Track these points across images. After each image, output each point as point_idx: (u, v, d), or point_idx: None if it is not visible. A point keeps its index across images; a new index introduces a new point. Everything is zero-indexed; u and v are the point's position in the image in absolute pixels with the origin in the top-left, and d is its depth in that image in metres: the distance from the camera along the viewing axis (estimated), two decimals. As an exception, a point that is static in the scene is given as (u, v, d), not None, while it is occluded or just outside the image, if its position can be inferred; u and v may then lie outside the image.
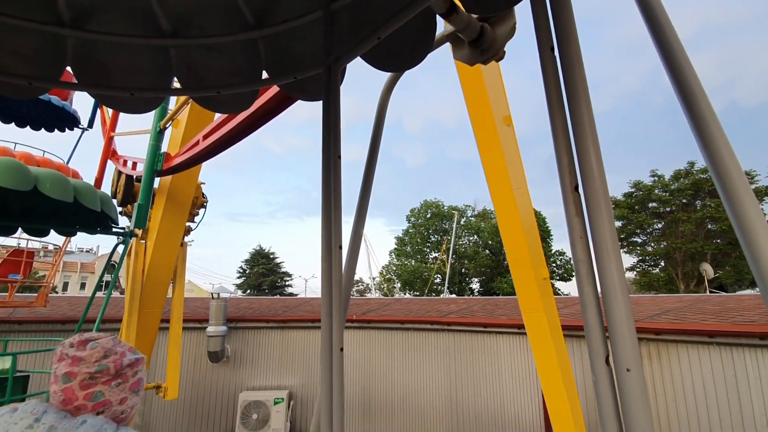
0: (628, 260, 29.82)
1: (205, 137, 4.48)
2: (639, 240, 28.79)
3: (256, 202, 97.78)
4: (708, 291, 20.67)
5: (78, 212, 4.34)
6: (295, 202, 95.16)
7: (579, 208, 0.73)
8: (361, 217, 1.51)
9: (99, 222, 4.73)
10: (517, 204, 5.45)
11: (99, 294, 6.81)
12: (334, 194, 1.22)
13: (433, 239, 36.50)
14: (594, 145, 0.72)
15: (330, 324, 1.13)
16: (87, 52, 1.26)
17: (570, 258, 35.89)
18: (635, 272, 29.03)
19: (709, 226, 25.58)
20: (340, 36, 1.26)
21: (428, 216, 37.96)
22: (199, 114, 5.73)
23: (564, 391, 5.41)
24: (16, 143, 5.68)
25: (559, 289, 35.17)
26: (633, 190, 28.07)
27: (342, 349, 1.12)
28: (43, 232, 4.87)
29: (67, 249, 8.38)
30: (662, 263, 28.06)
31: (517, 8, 1.20)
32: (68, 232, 4.86)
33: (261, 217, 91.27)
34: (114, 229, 4.83)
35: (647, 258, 28.39)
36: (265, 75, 1.43)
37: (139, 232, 5.14)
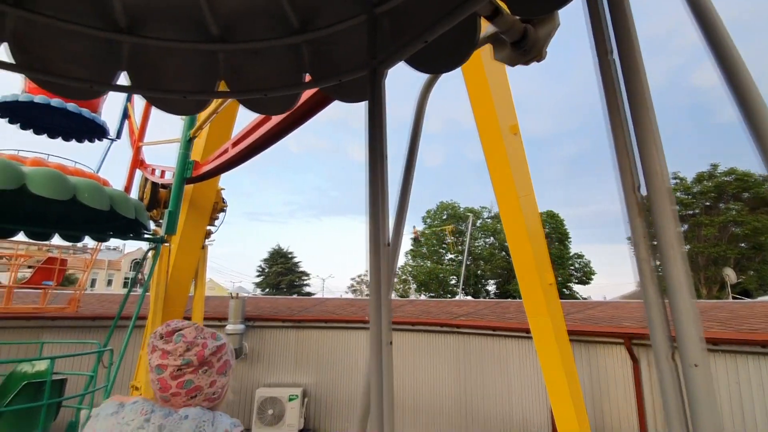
0: (649, 264, 29.17)
1: (234, 145, 4.56)
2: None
3: (276, 202, 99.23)
4: (731, 296, 20.15)
5: (112, 219, 4.58)
6: (313, 202, 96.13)
7: (640, 208, 0.74)
8: (401, 217, 1.53)
9: (131, 228, 4.96)
10: (523, 210, 5.60)
11: (120, 291, 7.23)
12: (381, 193, 1.23)
13: (449, 240, 36.47)
14: (657, 146, 0.73)
15: (379, 319, 1.14)
16: (140, 57, 1.32)
17: (588, 261, 35.33)
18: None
19: (733, 230, 24.86)
20: (383, 39, 1.28)
21: (444, 217, 37.95)
22: (219, 123, 6.06)
23: (569, 395, 5.52)
24: (49, 154, 6.13)
25: (577, 293, 34.63)
26: (654, 192, 27.47)
27: (391, 343, 1.12)
28: (78, 238, 5.22)
29: (93, 246, 8.89)
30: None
31: (565, 9, 1.15)
32: (102, 238, 5.18)
33: (280, 216, 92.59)
34: (146, 236, 5.11)
35: (668, 262, 27.75)
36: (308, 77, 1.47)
37: (169, 238, 5.39)
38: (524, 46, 1.30)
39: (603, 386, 6.85)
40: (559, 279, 33.15)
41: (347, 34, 1.32)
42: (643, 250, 0.74)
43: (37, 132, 7.92)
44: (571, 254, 35.15)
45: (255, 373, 9.52)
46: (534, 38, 1.28)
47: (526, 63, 1.33)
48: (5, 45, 1.19)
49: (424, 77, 1.63)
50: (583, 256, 35.43)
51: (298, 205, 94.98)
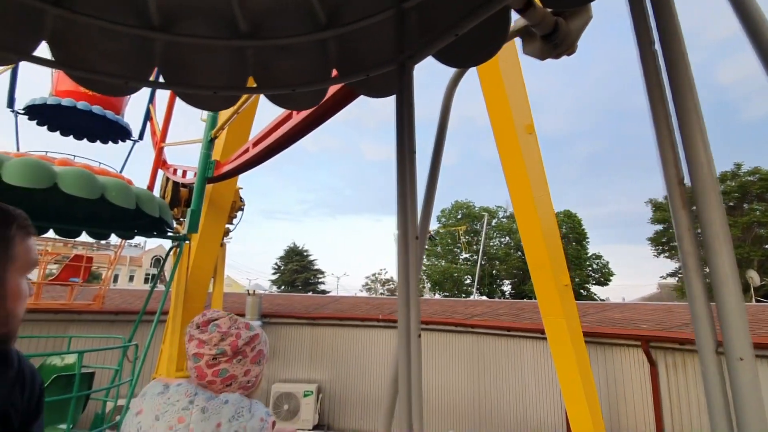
0: (670, 265, 28.57)
1: (255, 144, 4.61)
2: (681, 244, 27.53)
3: (291, 201, 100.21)
4: (754, 299, 19.57)
5: (138, 217, 4.67)
6: (328, 201, 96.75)
7: (685, 200, 0.73)
8: (428, 212, 1.54)
9: (155, 226, 5.09)
10: (538, 211, 5.58)
11: (142, 287, 7.45)
12: (410, 188, 1.24)
13: (463, 240, 36.30)
14: (702, 138, 0.73)
15: (407, 312, 1.16)
16: (173, 54, 1.34)
17: (606, 261, 34.69)
18: (677, 278, 27.78)
19: (757, 231, 24.11)
20: (411, 34, 1.27)
21: (459, 217, 37.78)
22: (238, 123, 6.18)
23: (584, 396, 5.48)
24: (75, 155, 6.37)
25: (595, 294, 34.07)
26: (675, 192, 26.87)
27: (420, 336, 1.15)
28: (104, 236, 5.42)
29: (116, 243, 9.20)
30: (707, 269, 26.67)
31: (600, 2, 1.12)
32: (127, 236, 5.35)
33: (295, 215, 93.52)
34: (169, 234, 5.24)
35: (690, 263, 27.12)
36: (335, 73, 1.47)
37: (191, 236, 5.51)
38: (555, 40, 1.27)
39: (619, 389, 6.77)
40: (577, 280, 32.67)
41: (375, 28, 1.32)
42: (688, 243, 0.73)
43: (65, 133, 8.23)
44: (588, 255, 34.59)
45: (271, 369, 9.70)
46: (565, 31, 1.25)
47: (557, 57, 1.30)
48: (45, 43, 1.23)
49: (442, 70, 1.61)
50: (602, 256, 34.85)
51: (313, 204, 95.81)
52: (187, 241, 5.36)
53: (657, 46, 0.79)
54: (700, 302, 0.71)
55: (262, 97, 6.14)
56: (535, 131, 5.87)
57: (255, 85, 1.44)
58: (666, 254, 27.74)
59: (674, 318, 7.82)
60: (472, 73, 5.48)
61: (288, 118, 3.98)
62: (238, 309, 9.39)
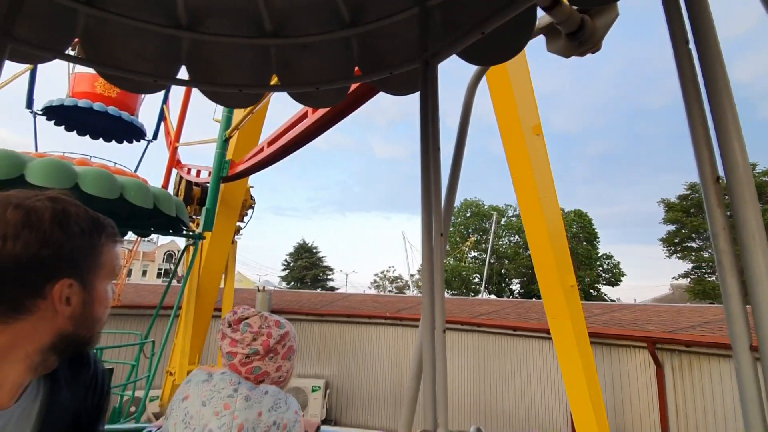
0: (682, 266, 28.16)
1: (270, 144, 4.63)
2: (695, 245, 27.10)
3: (301, 198, 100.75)
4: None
5: (154, 216, 4.80)
6: (337, 198, 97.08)
7: (720, 199, 0.73)
8: (449, 208, 1.53)
9: (171, 225, 5.17)
10: (544, 212, 5.61)
11: (154, 281, 7.63)
12: (434, 184, 1.25)
13: (472, 239, 36.19)
14: (738, 137, 0.72)
15: (432, 307, 1.17)
16: (199, 52, 1.38)
17: (617, 261, 34.31)
18: (689, 279, 27.38)
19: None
20: (435, 32, 1.28)
21: (468, 215, 37.67)
22: (249, 125, 6.34)
23: (588, 396, 5.52)
24: (90, 156, 6.56)
25: (605, 294, 33.75)
26: (688, 192, 26.46)
27: (444, 331, 1.17)
28: (121, 234, 5.57)
29: (130, 239, 9.42)
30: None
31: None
32: (144, 234, 5.48)
33: (304, 211, 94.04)
34: (185, 232, 5.34)
35: (703, 264, 26.68)
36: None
37: (207, 234, 5.59)
38: (580, 37, 1.26)
39: (625, 389, 6.78)
40: (587, 280, 32.38)
41: (398, 27, 1.32)
42: (724, 242, 0.72)
43: (81, 133, 8.47)
44: (599, 254, 34.24)
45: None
46: (591, 29, 1.24)
47: (581, 54, 1.29)
48: (78, 41, 1.27)
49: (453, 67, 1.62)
50: (612, 256, 34.46)
51: (322, 201, 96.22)
52: (203, 239, 5.48)
53: (692, 44, 0.79)
54: (735, 301, 0.70)
55: (273, 98, 6.22)
56: (543, 132, 5.90)
57: (278, 83, 1.46)
58: (678, 255, 27.35)
59: (683, 320, 7.79)
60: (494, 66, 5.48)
61: (303, 117, 4.00)
62: (249, 305, 9.58)
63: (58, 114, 8.14)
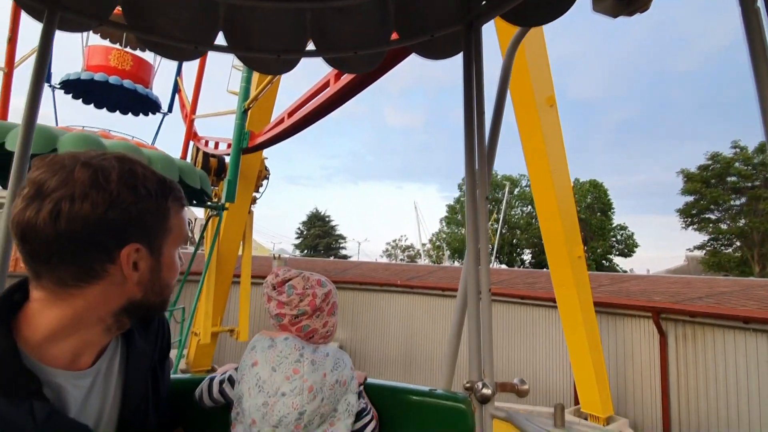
0: (698, 238, 27.84)
1: (290, 114, 4.55)
2: (712, 217, 26.64)
3: (314, 166, 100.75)
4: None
5: None
6: (350, 167, 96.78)
7: None
8: (488, 172, 1.48)
9: (195, 196, 5.30)
10: (555, 184, 5.66)
11: (193, 253, 7.95)
12: (478, 149, 1.23)
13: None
14: None
15: (476, 268, 1.18)
16: (235, 18, 1.36)
17: (632, 232, 34.00)
18: (705, 251, 27.11)
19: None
20: None
21: (481, 185, 37.39)
22: (264, 95, 6.37)
23: (591, 364, 5.74)
24: (109, 129, 6.74)
25: (617, 265, 33.71)
26: (709, 162, 25.74)
27: (490, 290, 1.19)
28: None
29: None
30: (737, 243, 25.92)
31: None
32: None
33: (317, 180, 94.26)
34: (208, 204, 5.44)
35: (720, 236, 26.32)
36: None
37: (229, 205, 5.66)
38: None
39: (628, 358, 7.00)
40: (599, 251, 32.27)
41: None
42: None
43: (98, 106, 8.66)
44: (613, 225, 33.96)
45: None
46: None
47: (630, 14, 1.23)
48: (120, 8, 1.30)
49: None
50: (627, 227, 34.13)
51: (335, 170, 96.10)
52: (226, 210, 5.59)
53: (760, 3, 0.78)
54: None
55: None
56: (557, 103, 5.84)
57: (314, 49, 1.44)
58: (695, 227, 26.97)
59: (691, 291, 7.89)
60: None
61: (325, 86, 3.91)
62: (264, 272, 9.94)
63: (75, 87, 8.30)
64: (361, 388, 1.20)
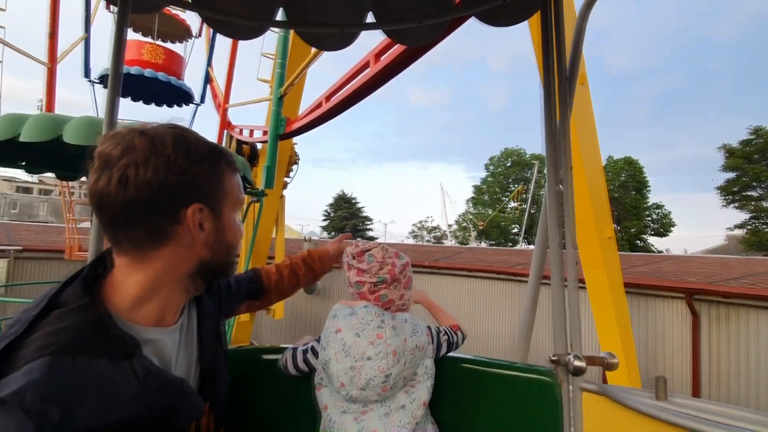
0: (738, 216, 26.55)
1: (328, 98, 4.48)
2: (754, 194, 25.29)
3: (339, 149, 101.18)
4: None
5: None
6: (374, 149, 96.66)
7: None
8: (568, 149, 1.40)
9: None
10: (585, 165, 5.60)
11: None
12: (562, 117, 1.19)
13: (512, 188, 35.54)
14: None
15: (559, 232, 1.16)
16: None
17: (668, 211, 32.75)
18: (745, 230, 25.88)
19: None
20: None
21: (508, 164, 36.73)
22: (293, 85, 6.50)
23: (620, 345, 5.77)
24: (141, 122, 7.04)
25: (652, 245, 32.68)
26: (752, 137, 24.29)
27: (576, 263, 1.19)
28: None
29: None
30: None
31: None
32: None
33: (343, 162, 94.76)
34: (249, 190, 5.33)
35: (762, 215, 25.01)
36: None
37: (269, 192, 5.66)
38: None
39: (659, 339, 6.96)
40: (633, 230, 31.38)
41: None
42: None
43: (134, 99, 9.00)
44: (648, 204, 32.80)
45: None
46: None
47: None
48: None
49: None
50: (663, 206, 32.91)
51: (359, 152, 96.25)
52: (266, 196, 5.71)
53: None
54: None
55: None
56: (588, 81, 5.72)
57: (374, 21, 1.40)
58: (736, 204, 25.70)
59: (727, 272, 7.70)
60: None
61: (364, 67, 3.86)
62: (296, 254, 10.34)
63: None
64: (436, 332, 1.24)
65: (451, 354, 1.27)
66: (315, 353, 1.17)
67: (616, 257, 5.93)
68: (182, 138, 0.70)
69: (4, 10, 7.00)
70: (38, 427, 0.51)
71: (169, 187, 0.66)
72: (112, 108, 1.25)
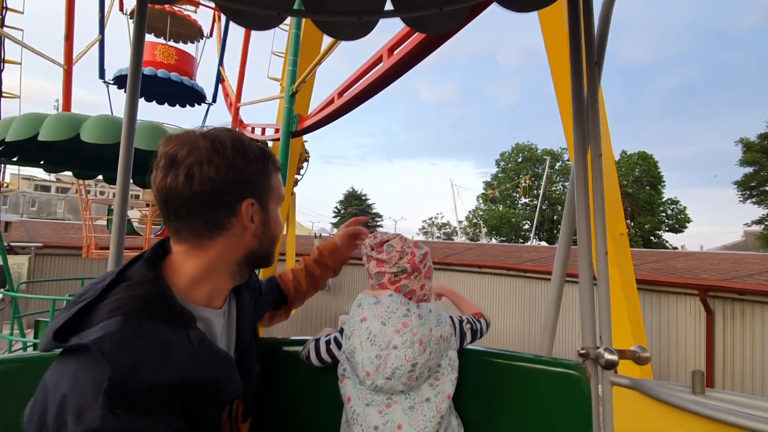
0: (757, 212, 25.96)
1: (340, 94, 4.48)
2: (774, 189, 24.67)
3: (348, 145, 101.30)
4: None
5: None
6: (383, 145, 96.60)
7: None
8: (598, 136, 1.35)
9: None
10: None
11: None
12: (590, 101, 1.16)
13: (523, 185, 35.21)
14: None
15: (588, 229, 1.13)
16: None
17: (683, 207, 32.15)
18: (764, 226, 25.31)
19: None
20: None
21: (519, 160, 36.40)
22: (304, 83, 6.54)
23: (632, 341, 5.74)
24: (163, 123, 7.17)
25: (666, 241, 32.14)
26: (772, 130, 23.67)
27: (606, 253, 1.14)
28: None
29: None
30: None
31: None
32: None
33: (352, 159, 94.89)
34: None
35: (781, 210, 24.40)
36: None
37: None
38: None
39: (672, 336, 6.90)
40: (647, 227, 30.91)
41: None
42: None
43: (148, 99, 9.18)
44: (663, 200, 32.24)
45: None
46: None
47: None
48: None
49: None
50: (678, 201, 32.31)
51: (369, 148, 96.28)
52: None
53: None
54: None
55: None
56: (601, 71, 5.62)
57: (393, 9, 1.37)
58: (754, 200, 25.10)
59: (743, 268, 7.57)
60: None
61: (377, 61, 3.82)
62: (307, 250, 10.41)
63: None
64: (458, 322, 1.21)
65: (475, 347, 1.25)
66: (338, 344, 1.16)
67: (629, 254, 5.88)
68: (239, 140, 0.78)
69: (22, 12, 7.15)
70: (113, 372, 0.58)
71: (229, 183, 0.74)
72: (133, 105, 1.34)
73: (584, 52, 1.16)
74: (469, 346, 1.23)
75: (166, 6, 8.52)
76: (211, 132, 0.77)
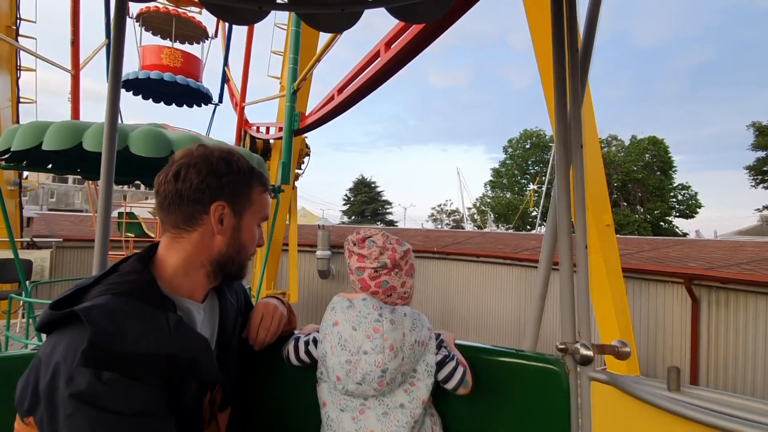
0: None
1: (340, 91, 4.44)
2: (787, 174, 24.21)
3: (358, 132, 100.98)
4: None
5: None
6: (394, 132, 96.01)
7: None
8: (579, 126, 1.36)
9: None
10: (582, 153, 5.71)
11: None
12: (573, 94, 1.16)
13: (532, 171, 34.99)
14: None
15: (569, 219, 1.11)
16: None
17: (695, 192, 31.70)
18: (776, 210, 24.92)
19: None
20: None
21: (527, 146, 36.12)
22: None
23: (617, 329, 6.00)
24: (164, 124, 7.49)
25: (677, 227, 31.81)
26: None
27: (586, 247, 1.13)
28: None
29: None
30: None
31: None
32: None
33: (362, 146, 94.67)
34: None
35: (794, 195, 23.94)
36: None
37: (286, 187, 5.75)
38: None
39: (659, 324, 7.11)
40: (656, 212, 30.63)
41: None
42: None
43: (156, 101, 9.53)
44: (674, 185, 31.80)
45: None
46: None
47: None
48: None
49: None
50: (689, 187, 31.84)
51: (379, 135, 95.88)
52: (282, 192, 5.96)
53: None
54: None
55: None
56: (589, 61, 5.66)
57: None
58: (765, 185, 24.69)
59: (735, 256, 7.72)
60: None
61: (375, 57, 3.84)
62: (310, 240, 10.75)
63: (135, 86, 9.11)
64: (440, 339, 1.16)
65: (457, 342, 1.23)
66: (317, 344, 1.16)
67: (615, 244, 6.09)
68: (228, 153, 0.90)
69: (35, 22, 7.48)
70: (95, 335, 0.66)
71: (207, 185, 0.85)
72: (114, 108, 1.38)
73: (567, 42, 1.16)
74: (457, 341, 1.23)
75: (171, 9, 8.83)
76: (211, 144, 0.91)
